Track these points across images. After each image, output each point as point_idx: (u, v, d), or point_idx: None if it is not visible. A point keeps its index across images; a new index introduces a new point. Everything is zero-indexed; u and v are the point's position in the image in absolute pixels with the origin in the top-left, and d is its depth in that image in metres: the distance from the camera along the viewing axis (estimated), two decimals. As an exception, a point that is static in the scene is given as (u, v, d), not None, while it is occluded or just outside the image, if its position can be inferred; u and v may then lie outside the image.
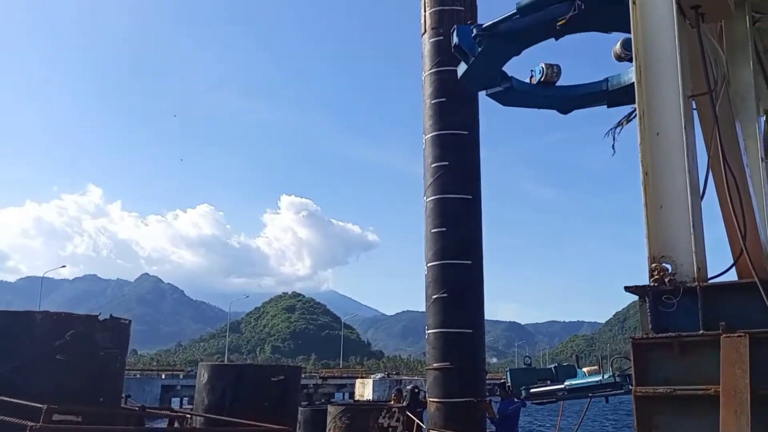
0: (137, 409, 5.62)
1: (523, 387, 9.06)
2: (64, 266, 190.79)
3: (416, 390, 11.13)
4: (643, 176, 4.33)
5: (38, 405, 4.08)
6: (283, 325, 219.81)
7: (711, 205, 4.89)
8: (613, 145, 7.54)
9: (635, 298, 4.13)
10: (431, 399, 9.82)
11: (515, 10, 6.61)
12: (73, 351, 4.79)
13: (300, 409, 8.41)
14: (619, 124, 7.50)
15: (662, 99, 4.32)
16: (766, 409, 3.61)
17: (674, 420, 3.88)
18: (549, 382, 9.11)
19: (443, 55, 10.14)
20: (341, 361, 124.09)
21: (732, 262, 4.68)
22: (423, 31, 10.98)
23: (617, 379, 7.96)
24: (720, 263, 4.47)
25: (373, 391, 60.83)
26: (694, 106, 4.92)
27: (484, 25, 6.90)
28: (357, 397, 61.21)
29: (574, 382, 8.73)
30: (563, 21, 6.15)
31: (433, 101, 10.65)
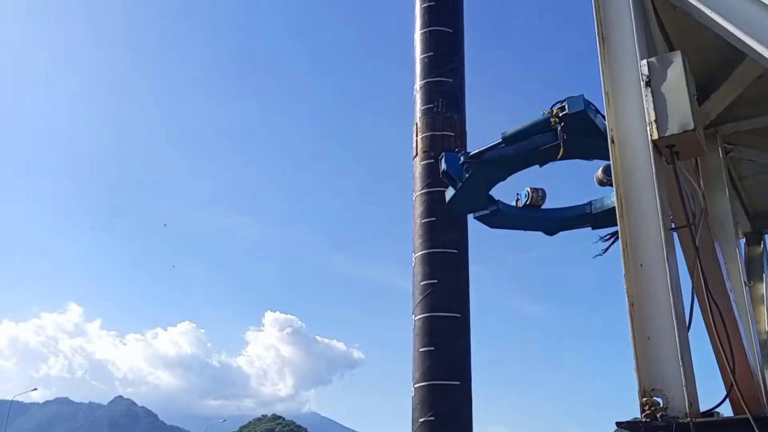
0: None
1: None
2: (35, 389, 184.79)
3: None
4: (629, 307, 4.41)
5: None
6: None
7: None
8: (603, 251, 7.59)
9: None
10: None
11: (501, 140, 6.90)
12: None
13: None
14: (608, 237, 7.63)
15: (644, 232, 4.46)
16: None
17: None
18: None
19: (433, 176, 10.46)
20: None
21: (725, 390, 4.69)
22: (414, 154, 11.39)
23: None
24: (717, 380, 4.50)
25: None
26: (677, 236, 5.08)
27: (471, 153, 7.19)
28: None
29: None
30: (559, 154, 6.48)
31: (423, 221, 10.89)
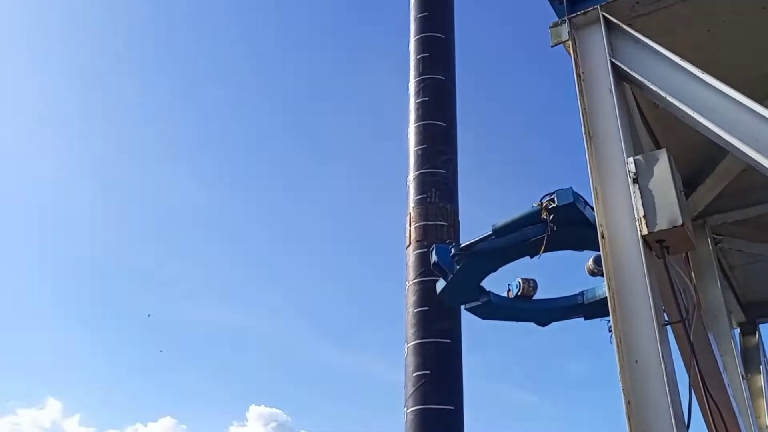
0: None
1: None
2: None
3: None
4: (626, 405, 4.31)
5: None
6: None
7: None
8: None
9: None
10: None
11: (491, 232, 6.94)
12: None
13: None
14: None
15: (637, 328, 4.41)
16: None
17: None
18: None
19: (426, 266, 10.46)
20: None
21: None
22: (408, 243, 11.46)
23: None
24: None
25: None
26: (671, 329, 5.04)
27: (461, 245, 7.21)
28: None
29: None
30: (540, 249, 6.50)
31: (415, 310, 10.84)
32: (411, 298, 11.01)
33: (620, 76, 4.69)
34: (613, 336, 4.58)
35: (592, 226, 5.27)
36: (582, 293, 7.89)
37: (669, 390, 4.26)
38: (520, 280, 7.78)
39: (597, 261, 7.19)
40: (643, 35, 4.65)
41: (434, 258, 7.49)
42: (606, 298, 5.20)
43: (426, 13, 13.15)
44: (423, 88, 12.49)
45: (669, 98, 4.42)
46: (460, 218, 11.72)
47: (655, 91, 4.50)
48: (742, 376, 6.31)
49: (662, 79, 4.51)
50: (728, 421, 4.88)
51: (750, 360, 8.04)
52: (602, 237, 4.57)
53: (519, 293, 7.72)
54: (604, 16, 4.79)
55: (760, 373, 7.99)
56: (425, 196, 11.59)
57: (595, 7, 4.83)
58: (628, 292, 4.48)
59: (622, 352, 4.43)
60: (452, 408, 10.28)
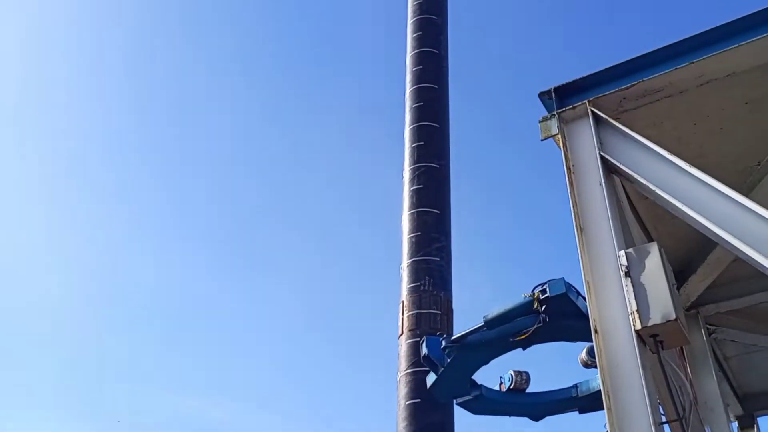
0: None
1: None
2: None
3: None
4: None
5: None
6: None
7: None
8: None
9: None
10: None
11: (482, 323, 6.82)
12: None
13: None
14: None
15: (634, 427, 4.27)
16: None
17: None
18: None
19: (419, 356, 10.26)
20: None
21: None
22: (400, 333, 11.29)
23: None
24: None
25: None
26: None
27: (452, 337, 7.07)
28: None
29: None
30: (524, 335, 6.37)
31: (407, 402, 10.56)
32: (402, 389, 10.75)
33: (609, 169, 4.72)
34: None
35: (585, 317, 5.18)
36: (576, 386, 7.70)
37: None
38: (512, 373, 7.60)
39: (590, 352, 7.05)
40: (631, 129, 4.71)
41: (424, 350, 7.34)
42: (600, 390, 5.06)
43: (421, 103, 13.43)
44: (418, 175, 12.61)
45: (657, 191, 4.44)
46: (454, 306, 11.60)
47: (644, 184, 4.52)
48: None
49: (650, 172, 4.54)
50: None
51: (750, 455, 7.81)
52: (596, 332, 4.48)
53: (511, 386, 7.53)
54: (592, 110, 4.86)
55: (761, 469, 7.74)
56: (418, 284, 11.49)
57: (584, 101, 4.91)
58: (623, 389, 4.35)
59: (619, 452, 4.28)
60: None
